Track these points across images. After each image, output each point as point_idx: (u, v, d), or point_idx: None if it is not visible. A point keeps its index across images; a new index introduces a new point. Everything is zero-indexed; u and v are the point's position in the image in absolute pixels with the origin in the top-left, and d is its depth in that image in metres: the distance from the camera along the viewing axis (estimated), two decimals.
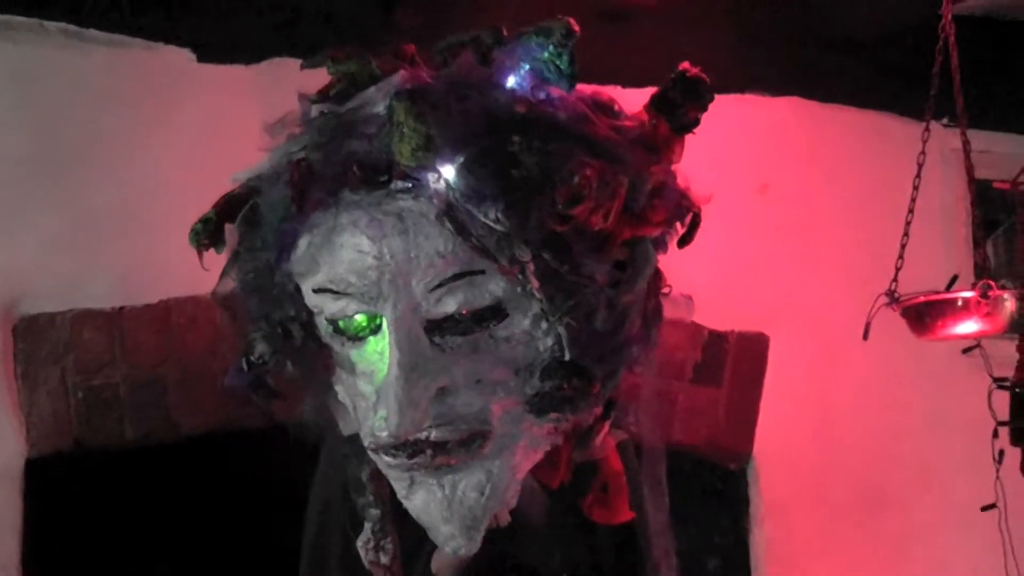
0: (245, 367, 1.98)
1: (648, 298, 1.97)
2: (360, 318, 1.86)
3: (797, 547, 3.90)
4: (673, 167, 1.97)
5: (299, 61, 3.38)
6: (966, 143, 3.56)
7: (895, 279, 3.49)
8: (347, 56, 1.94)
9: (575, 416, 1.88)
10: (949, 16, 3.53)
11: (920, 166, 3.56)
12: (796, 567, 3.89)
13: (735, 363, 3.87)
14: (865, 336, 3.45)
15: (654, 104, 1.98)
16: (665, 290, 2.03)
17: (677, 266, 3.77)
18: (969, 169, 3.57)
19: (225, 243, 1.94)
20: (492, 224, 1.74)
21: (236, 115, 3.39)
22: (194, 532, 3.43)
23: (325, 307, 1.89)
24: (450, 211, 1.75)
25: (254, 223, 1.93)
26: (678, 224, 1.99)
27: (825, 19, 4.04)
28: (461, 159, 1.75)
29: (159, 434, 3.35)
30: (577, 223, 1.75)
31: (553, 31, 1.93)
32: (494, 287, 1.80)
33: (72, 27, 3.37)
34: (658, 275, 2.01)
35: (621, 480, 2.01)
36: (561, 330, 1.82)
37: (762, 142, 4.05)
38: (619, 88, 3.81)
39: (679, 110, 1.98)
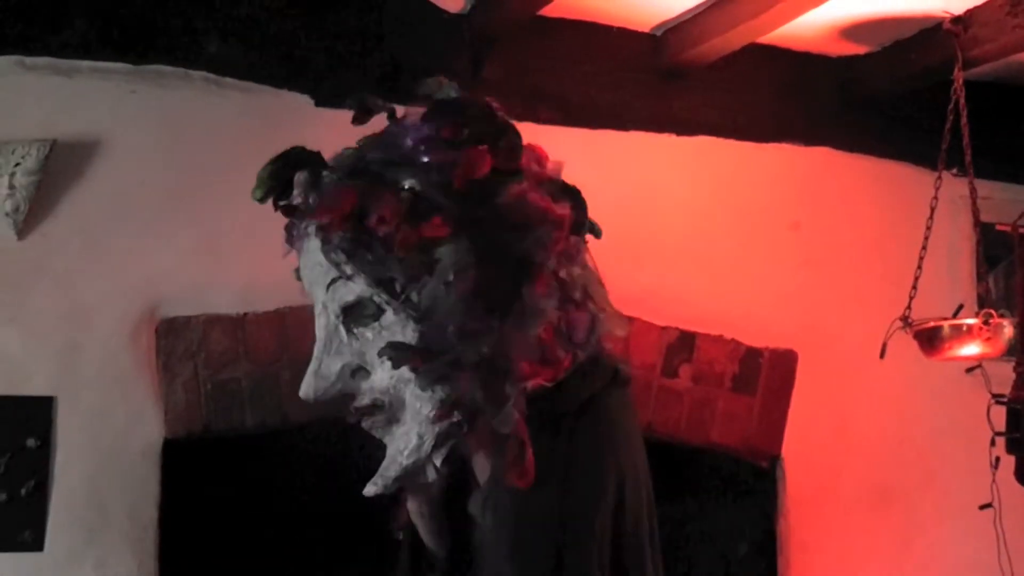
0: None
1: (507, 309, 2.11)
2: None
3: (816, 536, 3.91)
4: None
5: (400, 107, 3.49)
6: (973, 190, 3.63)
7: (909, 306, 3.54)
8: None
9: (452, 391, 2.09)
10: (960, 80, 3.60)
11: (932, 209, 3.62)
12: (815, 553, 3.90)
13: (768, 375, 3.88)
14: (882, 355, 3.52)
15: None
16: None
17: (723, 291, 3.80)
18: (975, 213, 3.63)
19: None
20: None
21: None
22: (298, 504, 3.50)
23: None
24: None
25: None
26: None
27: (853, 81, 4.10)
28: None
29: (273, 422, 3.41)
30: (364, 228, 2.09)
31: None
32: (355, 287, 2.13)
33: (212, 75, 3.44)
34: (516, 296, 2.11)
35: (529, 452, 2.06)
36: (411, 323, 2.10)
37: (796, 186, 4.10)
38: (674, 136, 3.93)
39: None
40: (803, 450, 3.91)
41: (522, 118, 3.63)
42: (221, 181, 3.42)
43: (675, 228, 3.89)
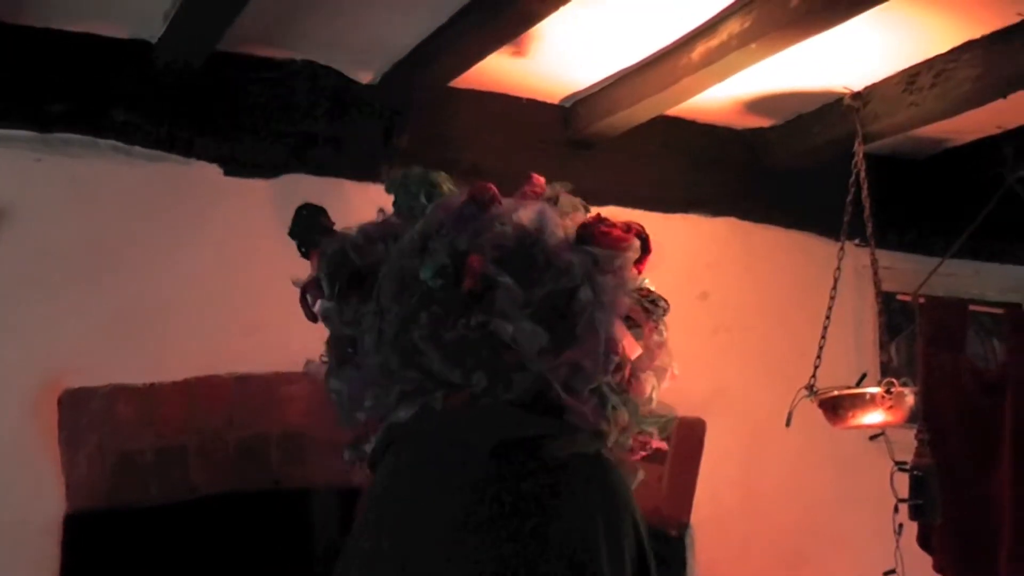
0: None
1: None
2: None
3: None
4: None
5: (310, 177, 3.47)
6: (874, 261, 3.65)
7: (814, 375, 3.54)
8: None
9: None
10: (861, 154, 3.64)
11: (836, 279, 3.64)
12: None
13: (677, 444, 3.70)
14: (788, 423, 3.50)
15: None
16: None
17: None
18: (877, 283, 3.65)
19: None
20: None
21: (256, 221, 3.44)
22: None
23: None
24: None
25: None
26: None
27: (758, 152, 4.13)
28: None
29: (180, 494, 3.29)
30: None
31: None
32: None
33: (121, 144, 3.36)
34: None
35: None
36: None
37: (704, 256, 4.11)
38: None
39: None
40: (713, 518, 3.88)
41: None
42: (128, 251, 3.36)
43: None
